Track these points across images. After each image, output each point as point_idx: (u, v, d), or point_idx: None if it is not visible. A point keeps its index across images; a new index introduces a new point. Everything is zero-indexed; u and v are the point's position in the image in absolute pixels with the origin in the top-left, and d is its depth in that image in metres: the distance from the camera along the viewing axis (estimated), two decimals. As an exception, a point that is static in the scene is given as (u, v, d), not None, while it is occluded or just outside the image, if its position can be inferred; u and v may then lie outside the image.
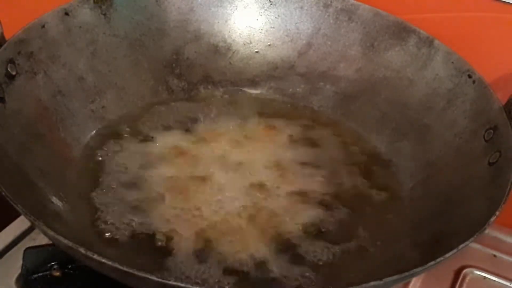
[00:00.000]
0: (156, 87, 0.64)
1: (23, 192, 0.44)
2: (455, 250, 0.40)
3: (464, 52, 0.59)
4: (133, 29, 0.63)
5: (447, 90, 0.59)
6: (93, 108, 0.59)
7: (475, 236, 0.42)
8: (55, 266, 0.49)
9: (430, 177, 0.56)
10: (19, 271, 0.49)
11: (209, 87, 0.67)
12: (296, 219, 0.53)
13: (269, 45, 0.68)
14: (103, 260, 0.36)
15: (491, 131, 0.52)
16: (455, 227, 0.47)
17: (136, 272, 0.35)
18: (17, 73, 0.51)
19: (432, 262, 0.39)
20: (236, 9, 0.67)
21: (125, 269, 0.35)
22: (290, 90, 0.67)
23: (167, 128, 0.61)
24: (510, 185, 0.46)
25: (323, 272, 0.48)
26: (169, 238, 0.49)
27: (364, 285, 0.37)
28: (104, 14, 0.61)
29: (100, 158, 0.56)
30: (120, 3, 0.62)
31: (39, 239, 0.52)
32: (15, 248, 0.52)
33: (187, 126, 0.62)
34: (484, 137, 0.53)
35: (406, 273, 0.39)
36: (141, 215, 0.51)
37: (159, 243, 0.49)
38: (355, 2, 0.65)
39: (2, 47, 0.50)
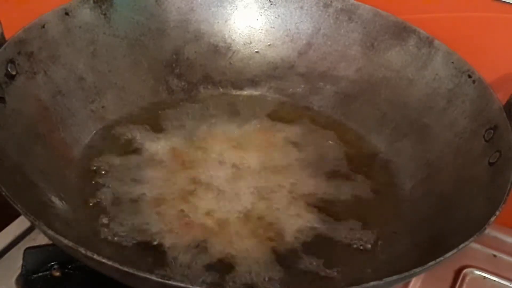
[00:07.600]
0: (156, 87, 0.64)
1: (23, 192, 0.44)
2: (455, 250, 0.40)
3: (464, 52, 0.59)
4: (133, 29, 0.63)
5: (447, 90, 0.59)
6: (93, 108, 0.59)
7: (475, 236, 0.42)
8: (55, 266, 0.49)
9: (430, 177, 0.56)
10: (19, 271, 0.49)
11: (209, 87, 0.67)
12: (295, 221, 0.52)
13: (269, 45, 0.68)
14: (103, 260, 0.36)
15: (491, 131, 0.52)
16: (455, 227, 0.47)
17: (136, 272, 0.35)
18: (17, 73, 0.51)
19: (432, 262, 0.39)
20: (236, 9, 0.67)
21: (125, 269, 0.36)
22: (290, 90, 0.67)
23: (167, 128, 0.61)
24: (510, 185, 0.46)
25: (324, 273, 0.48)
26: (166, 239, 0.49)
27: (364, 285, 0.37)
28: (104, 14, 0.61)
29: (100, 158, 0.56)
30: (120, 3, 0.62)
31: (39, 239, 0.52)
32: (15, 248, 0.52)
33: (186, 126, 0.61)
34: (484, 137, 0.53)
35: (406, 273, 0.39)
36: (140, 216, 0.51)
37: (157, 244, 0.49)
38: (355, 2, 0.65)
39: (2, 47, 0.50)
